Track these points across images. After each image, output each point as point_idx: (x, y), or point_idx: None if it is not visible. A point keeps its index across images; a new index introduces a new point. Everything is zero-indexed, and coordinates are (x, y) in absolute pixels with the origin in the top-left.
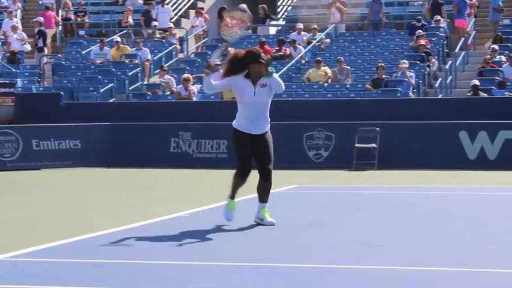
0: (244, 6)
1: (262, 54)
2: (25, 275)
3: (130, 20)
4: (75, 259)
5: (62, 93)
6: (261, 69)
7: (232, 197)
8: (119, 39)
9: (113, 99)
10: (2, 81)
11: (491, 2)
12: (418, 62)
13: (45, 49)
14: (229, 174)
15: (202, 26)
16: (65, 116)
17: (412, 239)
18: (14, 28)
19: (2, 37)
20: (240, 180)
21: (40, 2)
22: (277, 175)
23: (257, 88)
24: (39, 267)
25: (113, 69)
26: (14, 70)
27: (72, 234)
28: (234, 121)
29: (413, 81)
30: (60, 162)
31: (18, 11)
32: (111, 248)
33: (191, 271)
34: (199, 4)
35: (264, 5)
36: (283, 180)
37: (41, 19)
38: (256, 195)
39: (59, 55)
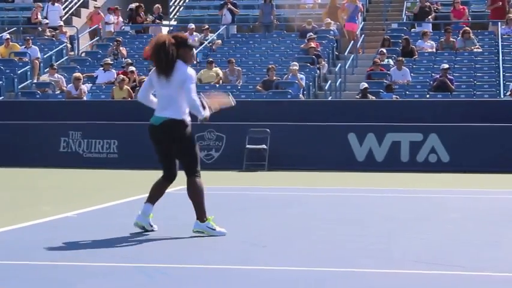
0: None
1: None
2: None
3: (40, 17)
4: None
5: None
6: (191, 54)
7: (205, 214)
8: (8, 36)
9: (2, 97)
10: None
11: None
12: (309, 64)
13: None
14: (119, 174)
15: (117, 23)
16: None
17: (298, 240)
18: None
19: None
20: (202, 185)
21: None
22: None
23: None
24: None
25: (2, 67)
26: None
27: None
28: (179, 116)
29: (303, 83)
30: None
31: None
32: None
33: (77, 272)
34: (91, 3)
35: (159, 5)
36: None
37: None
38: (146, 195)
39: None
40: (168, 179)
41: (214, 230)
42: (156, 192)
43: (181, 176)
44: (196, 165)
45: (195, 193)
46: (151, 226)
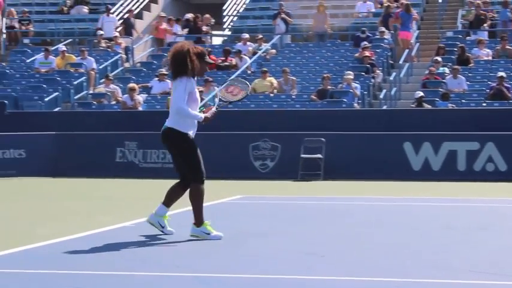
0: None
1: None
2: None
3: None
4: (16, 269)
5: (6, 102)
6: (204, 68)
7: (202, 219)
8: (64, 48)
9: (58, 108)
10: None
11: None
12: (363, 73)
13: None
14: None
15: (181, 35)
16: (10, 125)
17: (356, 249)
18: None
19: None
20: (203, 191)
21: None
22: (222, 185)
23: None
24: None
25: (58, 78)
26: None
27: (15, 245)
28: (176, 125)
29: (358, 92)
30: (4, 171)
31: None
32: (53, 259)
33: (133, 281)
34: (145, 14)
35: (209, 15)
36: (228, 191)
37: None
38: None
39: (3, 63)
40: (182, 181)
41: (209, 234)
42: (172, 196)
43: (235, 187)
44: (195, 173)
45: (193, 198)
46: (162, 227)
